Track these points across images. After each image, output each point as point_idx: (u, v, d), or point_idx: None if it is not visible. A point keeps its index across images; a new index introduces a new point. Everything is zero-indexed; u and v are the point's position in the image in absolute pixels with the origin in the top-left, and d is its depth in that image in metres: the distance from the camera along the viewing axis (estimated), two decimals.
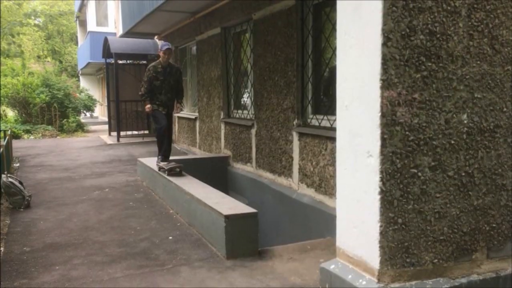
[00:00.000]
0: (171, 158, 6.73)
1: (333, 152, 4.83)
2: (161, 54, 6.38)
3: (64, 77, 24.03)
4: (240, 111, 7.82)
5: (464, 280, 3.07)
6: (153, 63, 6.50)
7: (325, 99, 5.50)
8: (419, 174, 2.93)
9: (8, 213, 5.67)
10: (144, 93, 6.38)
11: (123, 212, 5.75)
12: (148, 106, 6.40)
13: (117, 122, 13.38)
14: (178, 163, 6.46)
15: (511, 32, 3.08)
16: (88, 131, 18.44)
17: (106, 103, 16.81)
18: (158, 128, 6.53)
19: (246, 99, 7.68)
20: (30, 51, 32.82)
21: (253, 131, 6.93)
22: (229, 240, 4.12)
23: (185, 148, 10.63)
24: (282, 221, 5.94)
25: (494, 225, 3.18)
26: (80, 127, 18.36)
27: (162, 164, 6.39)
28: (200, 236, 4.74)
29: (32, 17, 33.66)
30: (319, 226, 5.04)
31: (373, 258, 2.94)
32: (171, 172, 6.23)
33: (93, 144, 13.21)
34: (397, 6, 2.77)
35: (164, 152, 6.52)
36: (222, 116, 8.28)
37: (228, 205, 4.49)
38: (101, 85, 26.44)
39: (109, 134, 14.78)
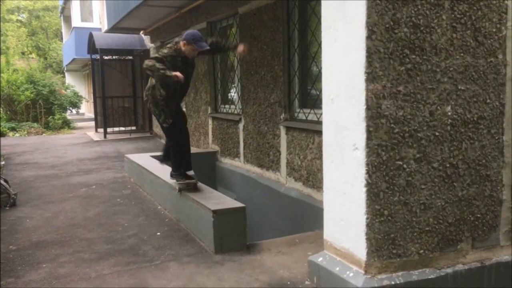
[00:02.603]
0: (156, 154, 6.30)
1: (320, 146, 4.85)
2: (190, 48, 4.53)
3: (49, 73, 23.72)
4: (227, 106, 7.80)
5: (449, 270, 3.11)
6: (169, 51, 4.52)
7: (311, 92, 5.51)
8: (405, 166, 2.96)
9: None
10: (160, 66, 4.33)
11: (110, 208, 5.71)
12: (176, 73, 4.30)
13: (103, 119, 13.26)
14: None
15: (493, 24, 3.11)
16: (74, 128, 18.25)
17: (92, 100, 16.66)
18: (175, 141, 4.82)
19: (233, 93, 7.66)
20: (14, 48, 32.36)
21: (241, 125, 6.92)
22: (217, 235, 4.12)
23: None
24: (271, 215, 5.96)
25: (478, 215, 3.23)
26: (66, 124, 18.15)
27: (182, 182, 4.88)
28: (188, 231, 4.74)
29: (16, 13, 33.17)
30: (307, 219, 5.06)
31: (360, 250, 2.96)
32: (185, 188, 4.94)
33: (80, 141, 13.08)
34: None
35: (186, 167, 4.91)
36: (209, 111, 8.25)
37: (216, 200, 4.48)
38: (87, 81, 26.18)
39: (96, 131, 14.65)
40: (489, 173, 3.23)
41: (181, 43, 4.53)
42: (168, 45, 4.62)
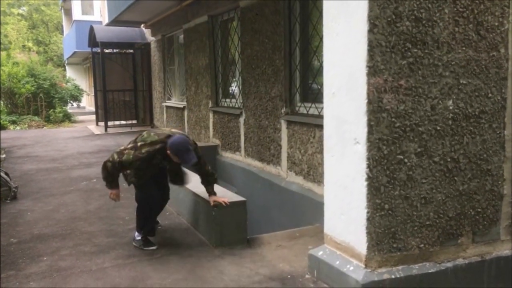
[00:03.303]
0: None
1: (321, 140, 4.84)
2: (175, 158, 3.92)
3: (50, 66, 23.70)
4: (228, 100, 7.79)
5: (450, 265, 3.12)
6: (151, 150, 3.89)
7: (313, 87, 5.50)
8: (406, 160, 2.95)
9: None
10: (108, 170, 4.04)
11: (111, 202, 5.64)
12: (113, 193, 4.18)
13: (104, 112, 13.26)
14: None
15: (496, 18, 3.10)
16: (75, 122, 18.25)
17: (93, 93, 16.64)
18: (142, 198, 4.15)
19: (234, 87, 7.65)
20: (15, 41, 32.35)
21: (242, 119, 6.92)
22: (218, 229, 4.12)
23: None
24: (271, 209, 5.96)
25: (479, 209, 3.22)
26: (67, 118, 18.15)
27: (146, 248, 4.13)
28: (189, 225, 4.74)
29: (16, 7, 33.15)
30: (307, 213, 5.07)
31: (360, 244, 2.97)
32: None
33: (81, 134, 13.09)
34: None
35: (149, 231, 4.22)
36: (210, 105, 8.24)
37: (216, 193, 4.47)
38: (88, 75, 26.14)
39: (97, 124, 14.65)
40: (490, 168, 3.22)
41: (167, 149, 3.89)
42: (154, 144, 3.91)
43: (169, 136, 3.96)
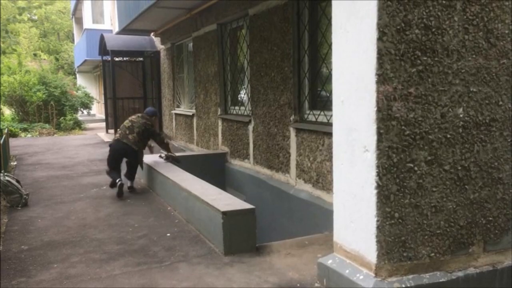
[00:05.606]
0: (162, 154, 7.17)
1: (330, 148, 4.83)
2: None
3: (61, 75, 23.97)
4: (237, 107, 7.81)
5: (461, 274, 3.08)
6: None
7: (321, 94, 5.50)
8: (416, 168, 2.94)
9: (6, 212, 5.66)
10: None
11: (121, 209, 5.74)
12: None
13: (114, 120, 13.36)
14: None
15: (506, 26, 3.08)
16: (85, 129, 18.42)
17: (103, 101, 16.78)
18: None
19: (243, 95, 7.67)
20: (26, 49, 32.76)
21: (250, 127, 6.93)
22: (227, 236, 4.12)
23: (183, 145, 10.63)
24: (280, 217, 5.95)
25: (490, 218, 3.19)
26: (78, 125, 18.33)
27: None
28: (198, 232, 4.75)
29: (27, 13, 33.54)
30: (316, 221, 5.05)
31: (370, 252, 2.95)
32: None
33: (91, 142, 13.19)
34: (392, 0, 2.77)
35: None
36: (219, 113, 8.27)
37: (225, 201, 4.49)
38: (98, 83, 26.39)
39: (107, 132, 14.75)
40: (501, 176, 3.19)
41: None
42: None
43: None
